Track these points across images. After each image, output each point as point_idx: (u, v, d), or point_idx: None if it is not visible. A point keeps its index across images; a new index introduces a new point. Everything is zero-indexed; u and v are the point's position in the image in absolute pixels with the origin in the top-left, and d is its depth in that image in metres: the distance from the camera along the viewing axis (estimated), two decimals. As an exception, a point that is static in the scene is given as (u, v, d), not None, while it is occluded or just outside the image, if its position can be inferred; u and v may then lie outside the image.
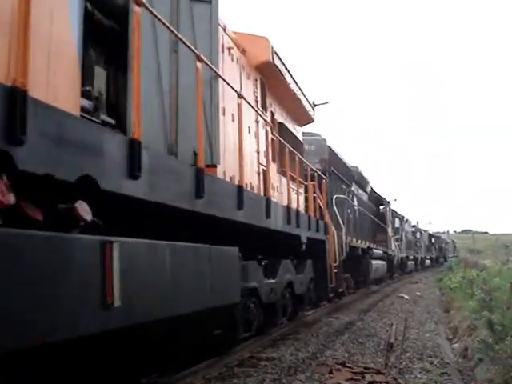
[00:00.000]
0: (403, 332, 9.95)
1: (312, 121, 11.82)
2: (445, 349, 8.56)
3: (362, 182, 21.01)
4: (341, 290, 13.43)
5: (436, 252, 63.82)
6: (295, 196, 9.84)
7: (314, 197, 11.54)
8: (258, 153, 7.86)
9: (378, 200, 26.04)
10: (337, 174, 15.80)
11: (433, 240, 61.71)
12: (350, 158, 19.45)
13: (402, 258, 32.38)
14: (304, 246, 8.74)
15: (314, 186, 11.61)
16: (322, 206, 11.90)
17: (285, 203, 8.68)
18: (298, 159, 10.01)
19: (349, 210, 16.71)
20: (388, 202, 27.49)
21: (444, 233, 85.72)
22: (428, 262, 54.02)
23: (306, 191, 11.17)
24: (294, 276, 8.86)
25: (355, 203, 19.06)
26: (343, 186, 17.02)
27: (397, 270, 31.65)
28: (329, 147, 15.23)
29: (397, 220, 34.09)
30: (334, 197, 14.12)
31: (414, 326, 11.03)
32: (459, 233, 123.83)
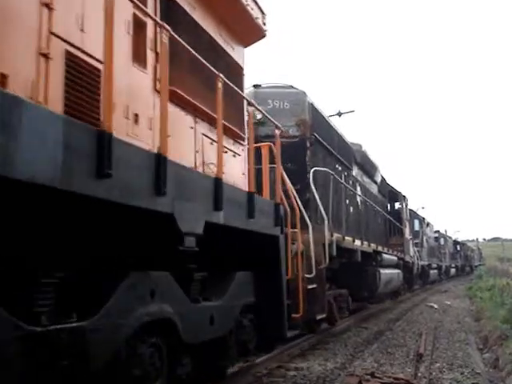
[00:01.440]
0: (433, 342, 9.83)
1: (261, 35, 6.99)
2: (475, 359, 8.32)
3: (368, 167, 16.03)
4: (320, 317, 8.55)
5: (462, 260, 58.88)
6: (209, 147, 5.19)
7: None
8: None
9: (391, 194, 20.86)
10: (324, 146, 11.00)
11: (458, 247, 56.92)
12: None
13: (423, 266, 27.28)
14: (192, 242, 3.93)
15: (269, 149, 6.97)
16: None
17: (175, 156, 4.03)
18: (224, 87, 5.34)
19: (344, 199, 11.84)
20: (404, 196, 22.17)
21: (473, 241, 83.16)
22: (453, 271, 49.27)
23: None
24: (177, 307, 4.06)
25: (358, 192, 14.19)
26: (337, 166, 12.19)
27: (417, 281, 26.58)
28: (311, 105, 10.43)
29: (416, 222, 28.99)
30: (312, 170, 9.31)
31: (443, 335, 10.85)
32: (488, 240, 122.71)
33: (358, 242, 11.68)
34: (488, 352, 9.17)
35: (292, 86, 10.60)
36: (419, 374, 6.98)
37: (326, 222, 8.64)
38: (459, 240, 61.94)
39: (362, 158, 14.84)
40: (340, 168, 12.49)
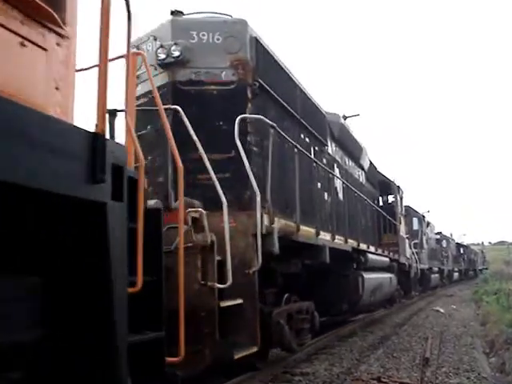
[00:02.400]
0: (439, 346, 9.75)
1: None
2: (482, 363, 8.21)
3: (351, 147, 12.87)
4: (240, 354, 4.98)
5: (465, 264, 55.82)
6: None
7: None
8: None
9: (383, 184, 17.56)
10: (277, 101, 7.87)
11: (461, 250, 53.83)
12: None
13: (422, 269, 24.08)
14: None
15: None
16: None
17: None
18: None
19: (310, 176, 8.74)
20: (398, 187, 18.73)
21: (478, 244, 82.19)
22: (456, 275, 46.21)
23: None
24: None
25: (337, 173, 11.14)
26: (303, 136, 9.12)
27: (416, 286, 23.38)
28: (255, 39, 7.26)
29: (415, 220, 25.78)
30: (239, 119, 6.06)
31: (449, 339, 10.72)
32: (494, 244, 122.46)
33: (325, 236, 8.38)
34: (494, 356, 8.98)
35: (225, 14, 7.50)
36: (425, 379, 6.89)
37: (259, 198, 5.45)
38: (465, 243, 59.33)
39: (341, 134, 11.69)
40: (308, 140, 9.40)
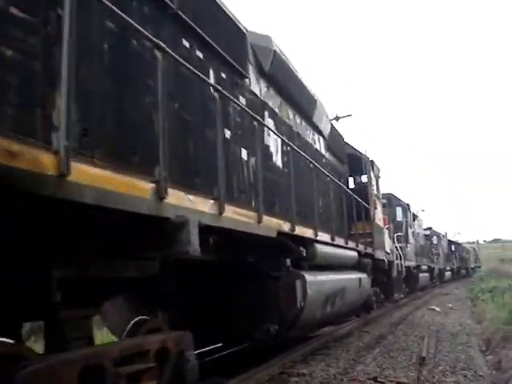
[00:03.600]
0: (435, 345, 9.72)
1: None
2: (478, 361, 8.15)
3: (296, 93, 9.01)
4: None
5: (457, 262, 52.68)
6: None
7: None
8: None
9: (354, 161, 13.69)
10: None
11: (453, 247, 50.58)
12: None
13: (408, 267, 20.44)
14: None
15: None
16: None
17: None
18: None
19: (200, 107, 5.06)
20: (372, 162, 14.58)
21: (473, 242, 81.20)
22: (448, 274, 42.95)
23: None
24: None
25: (270, 125, 7.60)
26: (189, 46, 5.52)
27: (400, 287, 19.75)
28: None
29: (398, 209, 22.01)
30: None
31: (445, 338, 10.59)
32: (489, 242, 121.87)
33: (191, 204, 4.36)
34: (491, 354, 8.80)
35: None
36: (422, 378, 6.86)
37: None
38: (459, 242, 56.54)
39: (276, 69, 7.95)
40: (201, 54, 5.81)
